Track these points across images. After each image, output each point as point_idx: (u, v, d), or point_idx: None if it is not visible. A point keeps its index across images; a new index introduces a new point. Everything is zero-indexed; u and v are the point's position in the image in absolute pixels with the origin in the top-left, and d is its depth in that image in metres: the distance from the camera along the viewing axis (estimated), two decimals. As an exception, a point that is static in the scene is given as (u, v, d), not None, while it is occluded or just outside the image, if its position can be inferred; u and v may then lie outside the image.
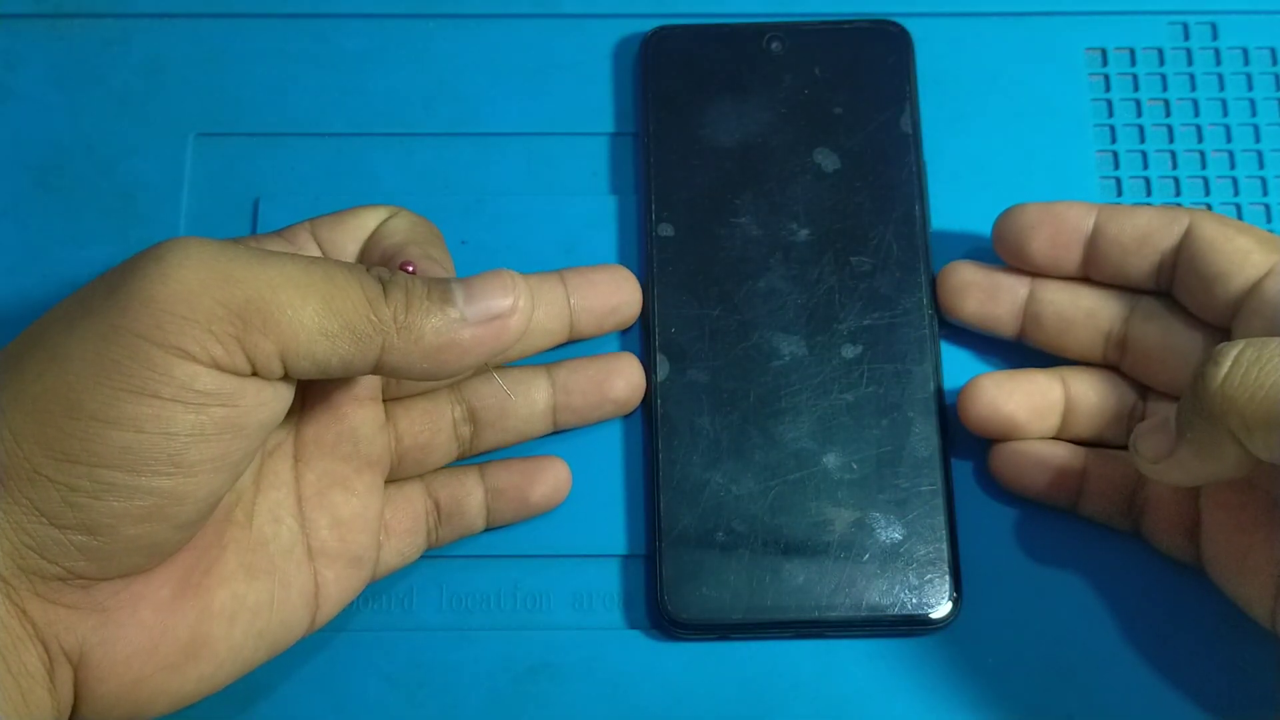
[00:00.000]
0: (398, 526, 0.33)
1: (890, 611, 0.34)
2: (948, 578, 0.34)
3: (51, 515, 0.26)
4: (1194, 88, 0.40)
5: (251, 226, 0.38)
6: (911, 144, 0.38)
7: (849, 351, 0.36)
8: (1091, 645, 0.34)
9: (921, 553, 0.34)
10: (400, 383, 0.34)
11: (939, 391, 0.36)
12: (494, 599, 0.35)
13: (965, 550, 0.35)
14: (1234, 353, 0.28)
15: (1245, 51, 0.40)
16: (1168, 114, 0.40)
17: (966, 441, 0.36)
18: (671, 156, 0.38)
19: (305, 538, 0.31)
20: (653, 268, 0.37)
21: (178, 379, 0.26)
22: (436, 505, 0.34)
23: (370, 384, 0.33)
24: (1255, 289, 0.32)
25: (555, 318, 0.35)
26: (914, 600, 0.34)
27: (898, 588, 0.34)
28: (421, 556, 0.35)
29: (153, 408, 0.26)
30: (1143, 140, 0.40)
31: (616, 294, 0.36)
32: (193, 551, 0.29)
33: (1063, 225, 0.35)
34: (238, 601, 0.29)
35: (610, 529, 0.36)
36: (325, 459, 0.32)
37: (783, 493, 0.35)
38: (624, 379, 0.35)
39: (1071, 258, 0.35)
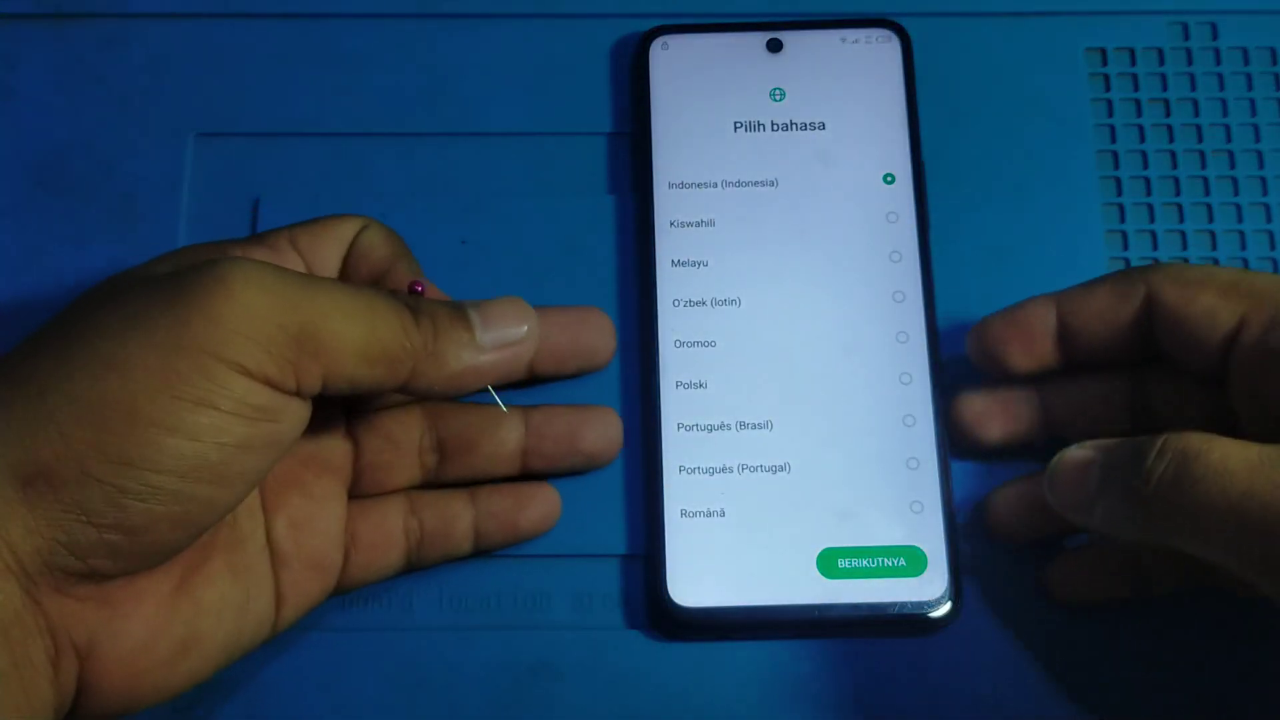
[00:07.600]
0: (364, 540, 0.33)
1: (890, 611, 0.34)
2: (948, 578, 0.34)
3: (93, 514, 0.26)
4: (1194, 88, 0.40)
5: (251, 226, 0.38)
6: (911, 144, 0.38)
7: (849, 351, 0.36)
8: (1091, 645, 0.34)
9: (921, 552, 0.34)
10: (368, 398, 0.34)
11: (939, 391, 0.36)
12: (494, 599, 0.35)
13: (965, 550, 0.35)
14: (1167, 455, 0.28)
15: (1245, 51, 0.40)
16: (1168, 114, 0.40)
17: (966, 441, 0.36)
18: (671, 156, 0.38)
19: (268, 536, 0.32)
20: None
21: (236, 394, 0.27)
22: (421, 526, 0.34)
23: None
24: (1234, 348, 0.31)
25: None
26: (914, 600, 0.34)
27: (898, 587, 0.34)
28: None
29: (211, 418, 0.27)
30: (1143, 140, 0.40)
31: (580, 336, 0.36)
32: (193, 549, 0.29)
33: (1028, 330, 0.34)
34: (224, 600, 0.30)
35: (610, 529, 0.36)
36: (282, 460, 0.32)
37: (783, 492, 0.35)
38: (595, 432, 0.35)
39: (1052, 354, 0.34)
